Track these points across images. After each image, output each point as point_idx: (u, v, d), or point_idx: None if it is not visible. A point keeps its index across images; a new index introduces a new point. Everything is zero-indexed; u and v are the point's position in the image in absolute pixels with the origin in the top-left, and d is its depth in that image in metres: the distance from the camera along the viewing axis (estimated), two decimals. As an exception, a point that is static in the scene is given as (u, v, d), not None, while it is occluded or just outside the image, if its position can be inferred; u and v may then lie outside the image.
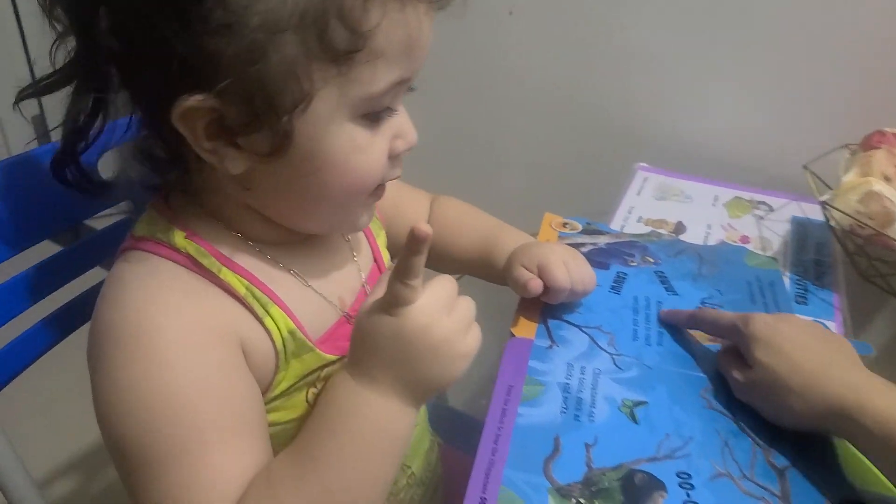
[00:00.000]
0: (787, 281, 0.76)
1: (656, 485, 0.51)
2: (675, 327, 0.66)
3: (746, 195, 0.93)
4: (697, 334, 0.66)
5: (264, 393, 0.50)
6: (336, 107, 0.44)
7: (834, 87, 0.91)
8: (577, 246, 0.77)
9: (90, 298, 0.49)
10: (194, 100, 0.41)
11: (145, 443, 0.43)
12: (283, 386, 0.51)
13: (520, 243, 0.69)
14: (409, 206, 0.74)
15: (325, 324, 0.55)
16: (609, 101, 1.06)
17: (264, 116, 0.42)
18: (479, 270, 0.73)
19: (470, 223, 0.75)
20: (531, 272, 0.64)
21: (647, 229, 0.84)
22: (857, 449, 0.51)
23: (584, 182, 1.05)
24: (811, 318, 0.65)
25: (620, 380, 0.60)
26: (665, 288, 0.72)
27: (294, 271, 0.54)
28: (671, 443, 0.54)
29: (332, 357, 0.53)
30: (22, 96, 0.47)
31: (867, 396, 0.49)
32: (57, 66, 0.45)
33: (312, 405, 0.53)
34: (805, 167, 0.79)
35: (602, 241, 0.80)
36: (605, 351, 0.63)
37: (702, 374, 0.61)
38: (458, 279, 0.73)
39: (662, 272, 0.74)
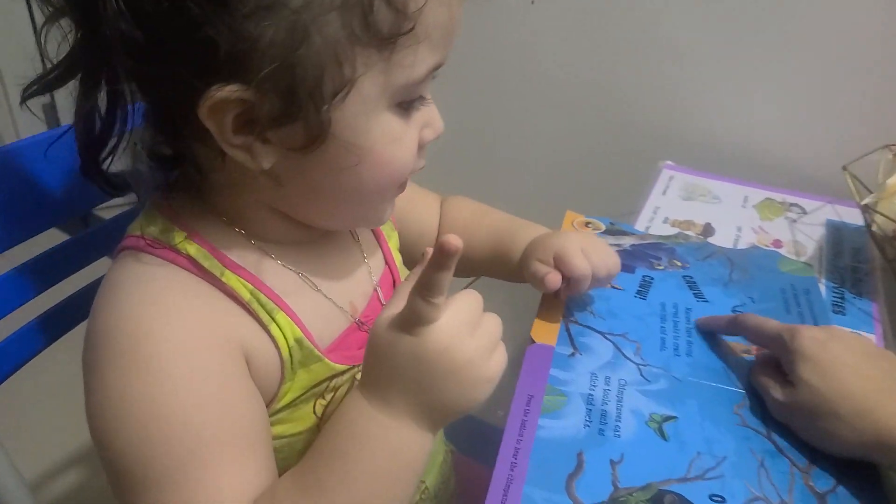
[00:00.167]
0: (822, 288, 0.72)
1: (688, 508, 0.47)
2: (704, 337, 0.63)
3: (778, 196, 0.89)
4: (731, 345, 0.62)
5: (269, 404, 0.47)
6: (376, 95, 0.41)
7: (873, 84, 0.87)
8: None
9: (92, 293, 0.45)
10: (228, 91, 0.38)
11: (140, 460, 0.40)
12: (290, 397, 0.48)
13: (535, 237, 0.65)
14: (421, 205, 0.71)
15: (334, 331, 0.52)
16: (634, 95, 1.02)
17: (302, 106, 0.39)
18: (496, 269, 0.69)
19: (483, 221, 0.72)
20: (548, 265, 0.60)
21: (674, 231, 0.80)
22: None
23: (606, 180, 1.02)
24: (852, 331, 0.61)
25: (648, 392, 0.56)
26: (694, 294, 0.68)
27: (302, 274, 0.51)
28: (703, 462, 0.50)
29: (341, 367, 0.50)
30: (27, 94, 0.42)
31: None
32: (49, 55, 0.41)
33: (320, 417, 0.50)
34: (844, 168, 0.75)
35: (626, 242, 0.76)
36: (630, 361, 0.59)
37: (735, 389, 0.57)
38: (473, 283, 0.70)
39: (691, 277, 0.71)
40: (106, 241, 0.67)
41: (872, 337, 0.65)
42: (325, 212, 0.48)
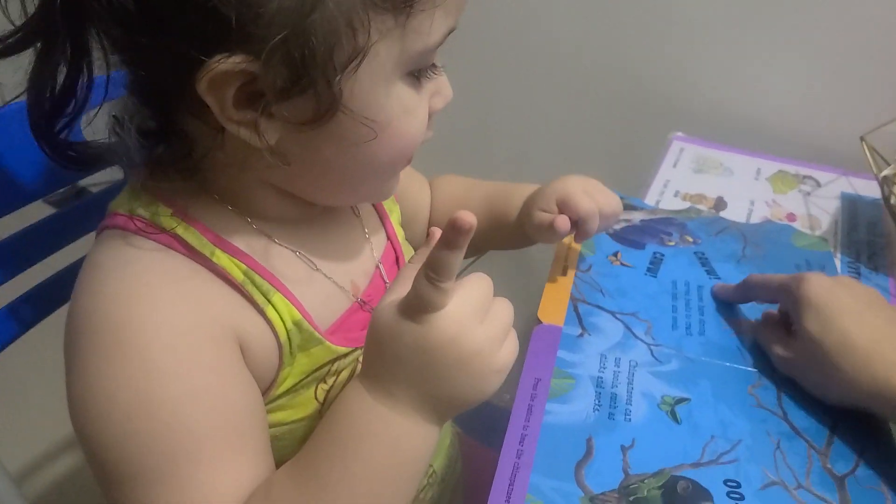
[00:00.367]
0: (837, 263, 0.70)
1: (702, 494, 0.45)
2: (718, 315, 0.61)
3: (791, 169, 0.86)
4: (744, 323, 0.60)
5: (266, 391, 0.45)
6: (390, 64, 0.39)
7: (891, 51, 0.83)
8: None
9: (76, 272, 0.43)
10: (231, 63, 0.35)
11: (126, 455, 0.38)
12: (289, 383, 0.46)
13: (530, 192, 0.63)
14: (415, 184, 0.69)
15: (335, 312, 0.50)
16: (642, 64, 0.99)
17: (312, 78, 0.36)
18: (495, 237, 0.67)
19: (474, 192, 0.70)
20: (552, 213, 0.59)
21: (686, 205, 0.77)
22: None
23: (615, 153, 0.99)
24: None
25: (659, 373, 0.54)
26: (706, 271, 0.66)
27: (300, 253, 0.48)
28: (717, 446, 0.49)
29: (343, 349, 0.48)
30: None
31: None
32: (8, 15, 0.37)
33: (322, 403, 0.48)
34: (862, 139, 0.72)
35: (637, 217, 0.74)
36: (641, 341, 0.57)
37: (750, 368, 0.55)
38: (477, 260, 0.68)
39: (703, 253, 0.68)
40: (93, 217, 0.64)
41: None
42: (333, 188, 0.45)
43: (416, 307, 0.38)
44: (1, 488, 0.58)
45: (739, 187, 0.82)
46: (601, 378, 0.54)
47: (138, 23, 0.35)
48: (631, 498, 0.45)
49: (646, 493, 0.45)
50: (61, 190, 0.62)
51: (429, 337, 0.38)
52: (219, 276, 0.43)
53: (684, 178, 0.83)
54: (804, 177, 0.85)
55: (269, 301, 0.44)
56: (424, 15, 0.38)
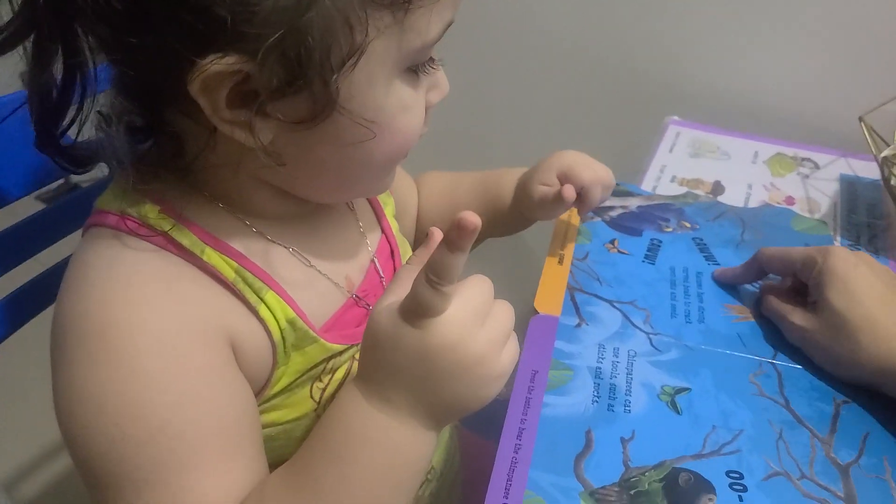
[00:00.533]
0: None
1: (704, 486, 0.45)
2: (717, 301, 0.60)
3: (789, 151, 0.85)
4: (743, 310, 0.59)
5: (260, 392, 0.44)
6: (388, 61, 0.38)
7: (890, 29, 0.82)
8: (605, 210, 0.70)
9: (63, 271, 0.42)
10: (225, 63, 0.34)
11: (115, 462, 0.37)
12: (284, 383, 0.45)
13: (524, 172, 0.64)
14: (404, 181, 0.68)
15: (329, 308, 0.49)
16: (636, 46, 0.97)
17: (308, 77, 0.35)
18: (488, 225, 0.66)
19: (462, 183, 0.70)
20: (553, 186, 0.59)
21: (683, 190, 0.76)
22: None
23: (610, 138, 0.97)
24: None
25: (659, 363, 0.54)
26: (705, 257, 0.65)
27: (294, 250, 0.47)
28: (719, 436, 0.48)
29: (338, 347, 0.47)
30: None
31: None
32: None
33: (318, 402, 0.47)
34: (861, 119, 0.71)
35: (633, 203, 0.73)
36: (640, 330, 0.57)
37: (751, 356, 0.55)
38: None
39: (701, 238, 0.67)
40: (82, 214, 0.62)
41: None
42: (328, 186, 0.45)
43: (416, 311, 0.37)
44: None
45: (737, 171, 0.81)
46: (600, 369, 0.53)
47: (126, 22, 0.34)
48: (632, 491, 0.44)
49: (647, 486, 0.45)
50: (54, 186, 0.61)
51: (429, 343, 0.37)
52: (210, 276, 0.42)
53: (681, 162, 0.82)
54: (802, 159, 0.84)
55: (261, 300, 0.43)
56: (423, 11, 0.37)
